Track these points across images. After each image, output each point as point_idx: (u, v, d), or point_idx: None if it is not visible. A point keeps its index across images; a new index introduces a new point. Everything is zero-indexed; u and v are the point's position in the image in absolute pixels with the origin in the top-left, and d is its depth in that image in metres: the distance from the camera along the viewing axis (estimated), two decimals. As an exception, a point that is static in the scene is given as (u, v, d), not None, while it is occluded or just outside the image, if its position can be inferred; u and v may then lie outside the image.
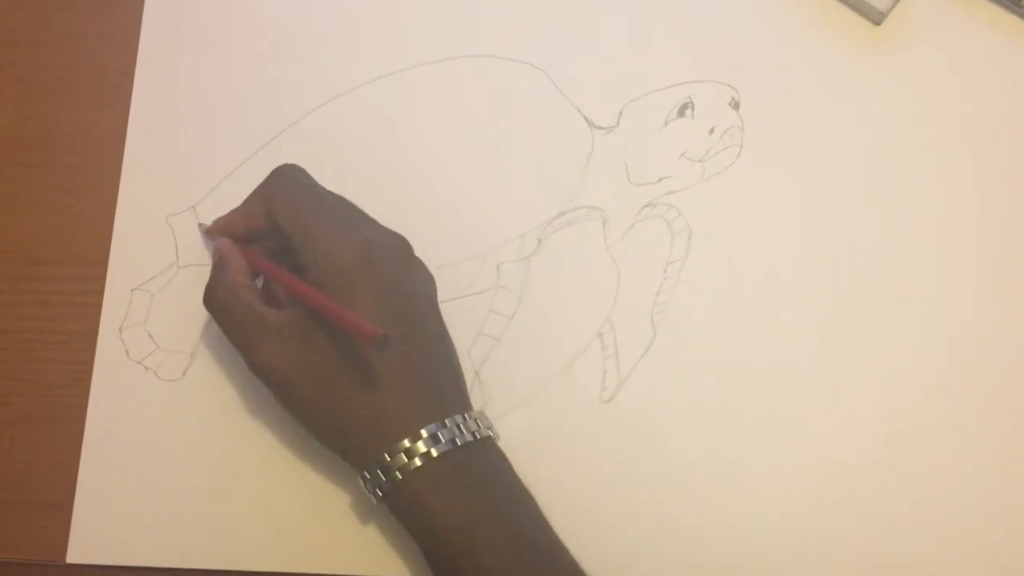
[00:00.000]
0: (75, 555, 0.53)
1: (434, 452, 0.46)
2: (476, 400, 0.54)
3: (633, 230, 0.56)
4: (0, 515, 0.53)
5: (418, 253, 0.53)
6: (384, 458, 0.47)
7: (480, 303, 0.55)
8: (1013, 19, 0.58)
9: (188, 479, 0.53)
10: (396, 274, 0.49)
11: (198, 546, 0.52)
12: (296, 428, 0.53)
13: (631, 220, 0.56)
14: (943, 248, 0.55)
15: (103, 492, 0.53)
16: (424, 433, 0.46)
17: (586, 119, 0.57)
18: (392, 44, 0.59)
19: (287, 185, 0.51)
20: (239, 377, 0.54)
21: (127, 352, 0.55)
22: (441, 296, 0.54)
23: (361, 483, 0.48)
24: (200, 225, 0.55)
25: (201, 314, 0.55)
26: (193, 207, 0.57)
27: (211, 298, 0.51)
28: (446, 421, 0.47)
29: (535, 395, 0.54)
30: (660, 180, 0.56)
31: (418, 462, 0.46)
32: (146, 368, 0.55)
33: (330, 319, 0.47)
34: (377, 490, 0.47)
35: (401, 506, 0.47)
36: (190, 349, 0.55)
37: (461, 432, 0.47)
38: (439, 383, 0.49)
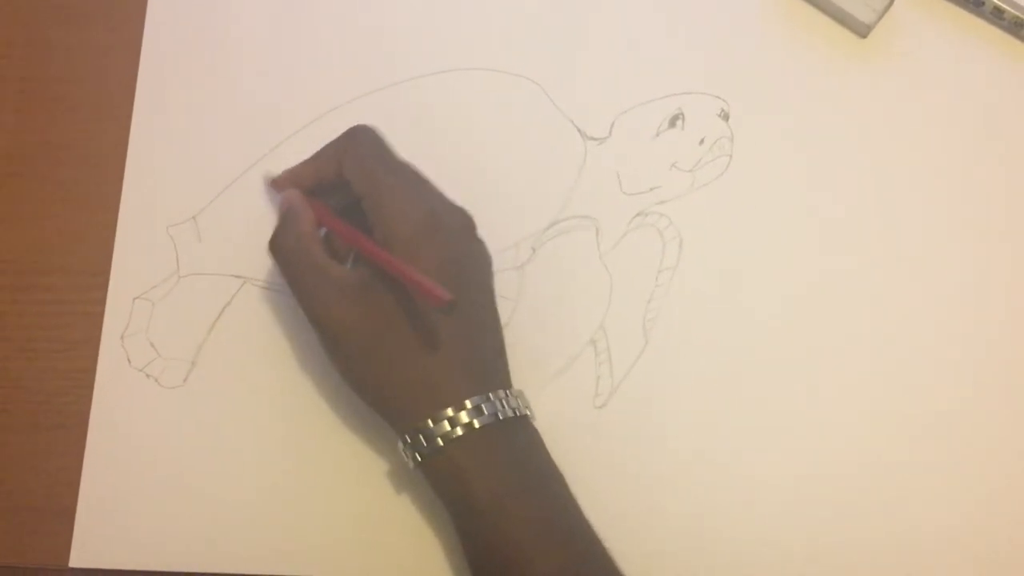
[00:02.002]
0: (78, 560, 0.53)
1: (476, 423, 0.47)
2: (472, 406, 0.55)
3: (625, 239, 0.57)
4: (4, 521, 0.54)
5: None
6: (428, 424, 0.47)
7: (475, 311, 0.56)
8: (997, 32, 0.59)
9: (189, 484, 0.54)
10: (459, 246, 0.50)
11: (199, 550, 0.53)
12: (299, 429, 0.53)
13: (623, 229, 0.57)
14: (931, 256, 0.56)
15: (105, 498, 0.54)
16: (469, 404, 0.47)
17: (579, 130, 0.58)
18: (389, 57, 0.60)
19: (362, 144, 0.52)
20: (239, 384, 0.55)
21: (129, 360, 0.56)
22: (437, 304, 0.55)
23: (400, 446, 0.49)
24: (267, 175, 0.55)
25: (201, 322, 0.56)
26: (194, 218, 0.57)
27: (278, 246, 0.51)
28: (490, 395, 0.48)
29: (530, 401, 0.54)
30: (651, 190, 0.57)
31: (460, 432, 0.47)
32: (147, 376, 0.56)
33: (398, 278, 0.47)
34: (417, 455, 0.48)
35: (437, 473, 0.48)
36: (191, 357, 0.56)
37: (503, 407, 0.48)
38: (487, 357, 0.50)
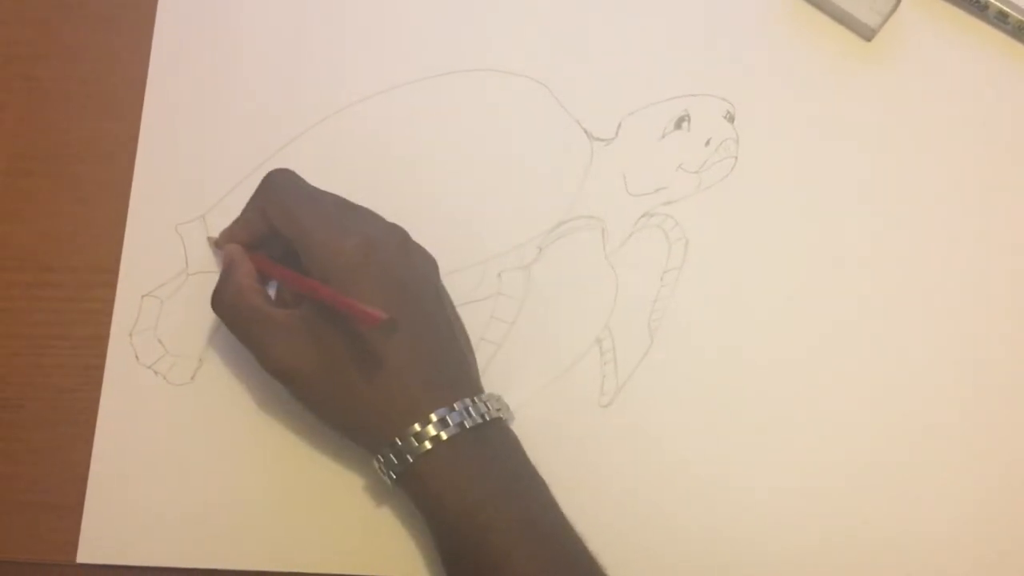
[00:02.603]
0: (85, 555, 0.54)
1: (443, 435, 0.48)
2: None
3: (631, 239, 0.57)
4: (12, 516, 0.54)
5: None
6: (396, 442, 0.48)
7: (482, 310, 0.56)
8: (1001, 35, 0.59)
9: (196, 481, 0.54)
10: (397, 266, 0.50)
11: (207, 546, 0.53)
12: (305, 425, 0.54)
13: (629, 229, 0.57)
14: (937, 258, 0.56)
15: (113, 493, 0.54)
16: (434, 417, 0.48)
17: (585, 131, 0.59)
18: (396, 58, 0.60)
19: (279, 190, 0.52)
20: (247, 381, 0.55)
21: (137, 357, 0.56)
22: (444, 303, 0.56)
23: (376, 467, 0.49)
24: (209, 238, 0.57)
25: (209, 320, 0.56)
26: (202, 216, 0.58)
27: (219, 301, 0.52)
28: (455, 404, 0.48)
29: (535, 400, 0.55)
30: (657, 191, 0.58)
31: (428, 445, 0.47)
32: (156, 373, 0.56)
33: (336, 309, 0.48)
34: (391, 473, 0.49)
35: (413, 489, 0.49)
36: (198, 354, 0.56)
37: (469, 415, 0.48)
38: (446, 367, 0.50)
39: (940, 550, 0.53)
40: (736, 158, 0.58)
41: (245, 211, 0.54)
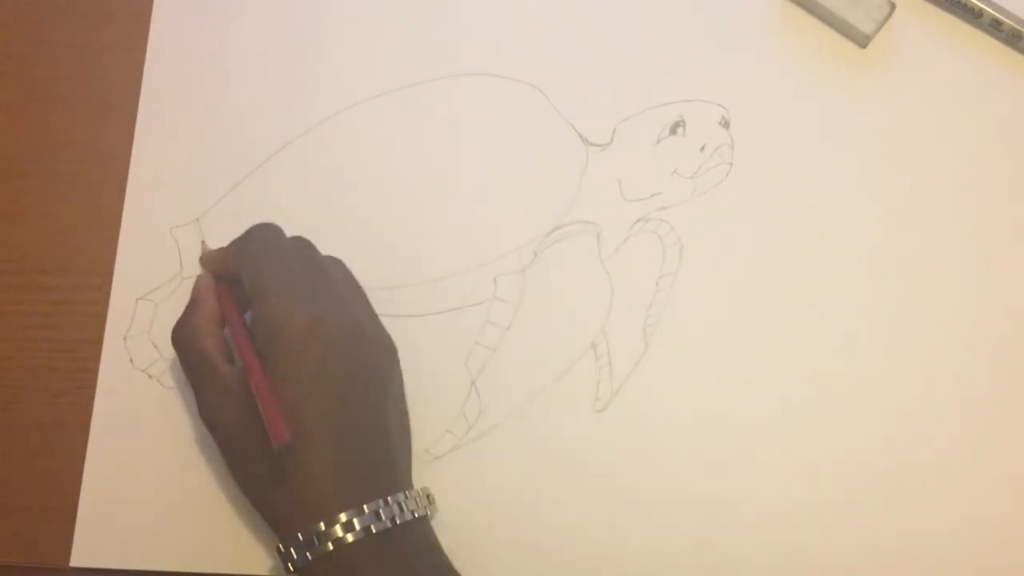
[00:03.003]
0: (79, 559, 0.54)
1: (349, 538, 0.46)
2: (472, 409, 0.55)
3: (626, 244, 0.57)
4: (6, 520, 0.54)
5: (418, 266, 0.54)
6: (298, 536, 0.46)
7: (477, 314, 0.56)
8: (995, 43, 0.60)
9: (190, 484, 0.54)
10: (342, 354, 0.49)
11: (200, 550, 0.53)
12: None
13: (624, 234, 0.57)
14: (932, 264, 0.56)
15: (107, 497, 0.54)
16: (343, 518, 0.46)
17: (581, 136, 0.59)
18: (392, 62, 0.60)
19: (257, 244, 0.52)
20: (241, 385, 0.55)
21: (131, 360, 0.56)
22: (439, 307, 0.56)
23: (277, 552, 0.48)
24: (203, 243, 0.56)
25: (204, 323, 0.56)
26: (197, 219, 0.58)
27: (176, 336, 0.51)
28: (365, 507, 0.46)
29: (530, 404, 0.55)
30: (652, 196, 0.58)
31: (330, 547, 0.46)
32: (150, 376, 0.56)
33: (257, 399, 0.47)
34: (289, 565, 0.47)
35: None
36: (193, 358, 0.56)
37: (379, 518, 0.46)
38: (365, 468, 0.48)
39: (942, 556, 0.53)
40: (731, 164, 0.58)
41: (226, 248, 0.53)
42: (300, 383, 0.47)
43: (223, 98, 0.60)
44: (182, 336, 0.51)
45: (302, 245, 0.53)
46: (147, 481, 0.54)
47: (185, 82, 0.60)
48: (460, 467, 0.54)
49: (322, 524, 0.46)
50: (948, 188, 0.58)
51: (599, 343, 0.56)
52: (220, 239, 0.57)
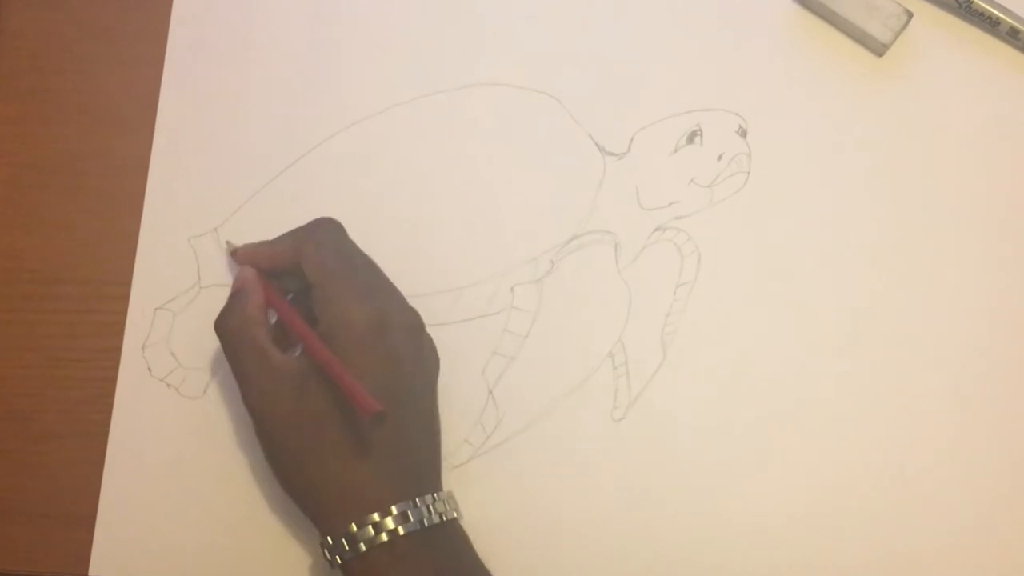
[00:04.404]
0: (97, 569, 0.54)
1: (401, 530, 0.46)
2: (490, 419, 0.55)
3: (644, 253, 0.57)
4: (25, 529, 0.55)
5: (436, 275, 0.54)
6: (351, 528, 0.47)
7: (495, 323, 0.56)
8: (1012, 52, 0.60)
9: (208, 494, 0.54)
10: (402, 350, 0.49)
11: (218, 559, 0.53)
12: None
13: (642, 243, 0.57)
14: (951, 272, 0.56)
15: (125, 506, 0.54)
16: (395, 510, 0.46)
17: (598, 146, 0.59)
18: (409, 72, 0.60)
19: (323, 238, 0.52)
20: (259, 394, 0.55)
21: (150, 370, 0.56)
22: (457, 316, 0.56)
23: (320, 545, 0.48)
24: (228, 243, 0.56)
25: (222, 333, 0.56)
26: (215, 229, 0.58)
27: (223, 324, 0.51)
28: (417, 500, 0.47)
29: (548, 413, 0.55)
30: (670, 205, 0.58)
31: (384, 538, 0.46)
32: (168, 385, 0.56)
33: (333, 379, 0.47)
34: (337, 557, 0.47)
35: None
36: (211, 367, 0.56)
37: (430, 513, 0.47)
38: (418, 463, 0.49)
39: (958, 565, 0.53)
40: (748, 173, 0.58)
41: (279, 240, 0.53)
42: (364, 375, 0.47)
43: (240, 109, 0.60)
44: (232, 324, 0.51)
45: (355, 245, 0.53)
46: (165, 490, 0.54)
47: (203, 93, 0.60)
48: (478, 476, 0.54)
49: (376, 515, 0.46)
50: (966, 197, 0.58)
51: (617, 352, 0.56)
52: (238, 249, 0.57)
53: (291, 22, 0.61)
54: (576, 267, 0.57)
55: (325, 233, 0.52)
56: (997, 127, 0.58)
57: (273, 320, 0.52)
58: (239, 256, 0.54)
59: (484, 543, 0.51)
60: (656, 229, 0.57)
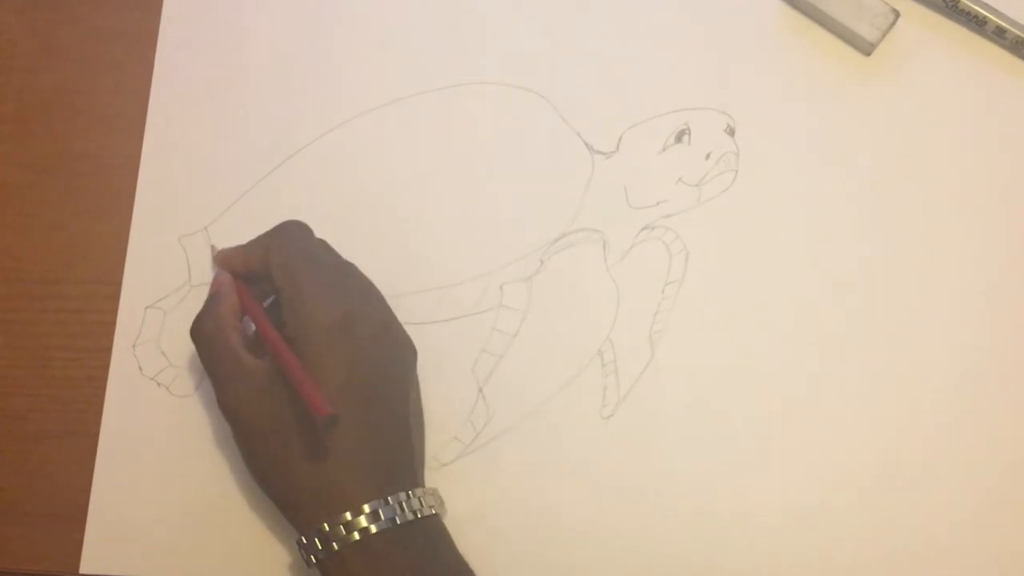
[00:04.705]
0: (88, 566, 0.54)
1: (373, 528, 0.47)
2: (479, 416, 0.55)
3: (632, 251, 0.57)
4: (16, 527, 0.55)
5: (425, 273, 0.55)
6: (324, 527, 0.47)
7: (484, 322, 0.56)
8: (998, 51, 0.60)
9: (199, 492, 0.54)
10: (370, 349, 0.50)
11: (209, 558, 0.54)
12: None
13: (630, 242, 0.57)
14: (935, 270, 0.56)
15: (116, 504, 0.55)
16: (367, 508, 0.47)
17: (586, 144, 0.59)
18: (398, 71, 0.60)
19: (288, 241, 0.52)
20: (249, 393, 0.56)
21: (140, 368, 0.56)
22: (446, 315, 0.56)
23: (296, 545, 0.48)
24: (212, 247, 0.57)
25: (213, 332, 0.57)
26: (205, 228, 0.58)
27: (197, 330, 0.52)
28: (389, 499, 0.47)
29: (537, 411, 0.55)
30: (658, 203, 0.58)
31: (356, 536, 0.46)
32: (159, 384, 0.56)
33: (290, 381, 0.48)
34: (312, 557, 0.48)
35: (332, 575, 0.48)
36: (201, 366, 0.56)
37: (403, 511, 0.47)
38: (389, 461, 0.49)
39: (948, 562, 0.53)
40: (736, 171, 0.58)
41: (249, 244, 0.54)
42: (330, 376, 0.48)
43: (230, 108, 0.60)
44: (205, 328, 0.51)
45: (325, 246, 0.54)
46: (156, 488, 0.55)
47: (193, 93, 0.60)
48: (467, 474, 0.54)
49: (348, 514, 0.47)
50: (953, 195, 0.58)
51: (605, 350, 0.56)
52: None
53: (281, 22, 0.62)
54: (565, 265, 0.57)
55: (291, 237, 0.52)
56: (984, 125, 0.59)
57: (252, 329, 0.53)
58: (217, 259, 0.55)
59: (473, 540, 0.51)
60: (644, 228, 0.58)
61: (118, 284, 0.58)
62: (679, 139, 0.59)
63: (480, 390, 0.55)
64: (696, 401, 0.55)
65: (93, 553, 0.54)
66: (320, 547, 0.47)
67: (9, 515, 0.55)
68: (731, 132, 0.59)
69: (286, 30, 0.61)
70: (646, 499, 0.54)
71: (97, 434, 0.56)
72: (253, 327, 0.53)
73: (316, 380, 0.47)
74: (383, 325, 0.51)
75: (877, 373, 0.55)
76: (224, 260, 0.55)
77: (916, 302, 0.56)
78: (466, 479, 0.54)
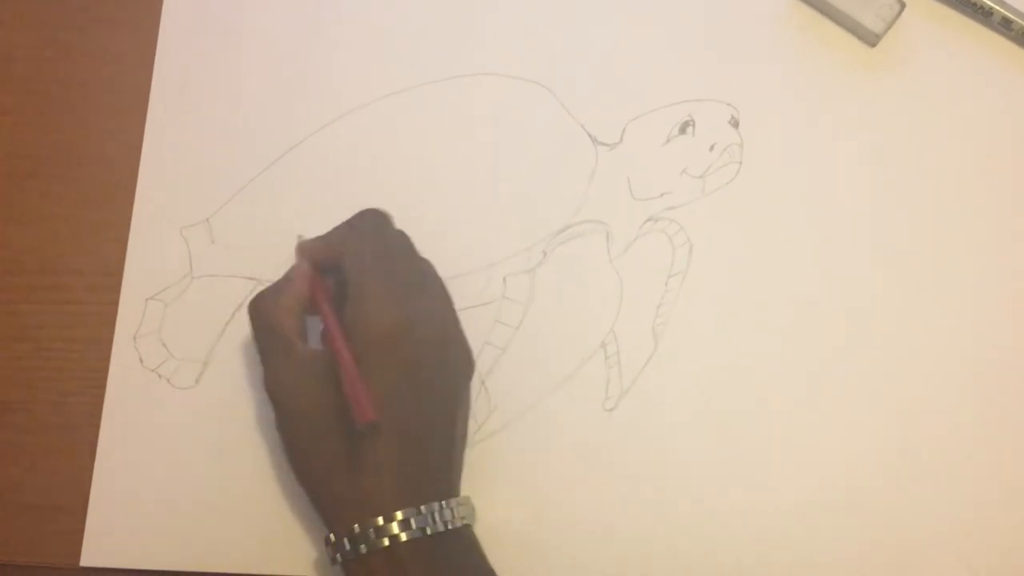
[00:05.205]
0: (89, 558, 0.54)
1: (404, 536, 0.46)
2: (482, 409, 0.55)
3: (635, 244, 0.57)
4: (17, 519, 0.55)
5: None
6: (354, 528, 0.47)
7: (487, 314, 0.56)
8: (1005, 42, 0.59)
9: (200, 484, 0.54)
10: (425, 361, 0.49)
11: (210, 549, 0.53)
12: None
13: (634, 234, 0.57)
14: (941, 263, 0.56)
15: (117, 496, 0.54)
16: (399, 515, 0.46)
17: (590, 136, 0.59)
18: (400, 62, 0.60)
19: (365, 233, 0.52)
20: (250, 385, 0.55)
21: (141, 360, 0.56)
22: (448, 307, 0.56)
23: (324, 541, 0.48)
24: (298, 236, 0.54)
25: (214, 324, 0.56)
26: (207, 219, 0.58)
27: (256, 306, 0.51)
28: (422, 508, 0.47)
29: (540, 403, 0.55)
30: (662, 195, 0.58)
31: (385, 542, 0.46)
32: (159, 376, 0.56)
33: (341, 377, 0.47)
34: (338, 555, 0.47)
35: None
36: (203, 357, 0.56)
37: (434, 521, 0.47)
38: (429, 471, 0.49)
39: (947, 556, 0.53)
40: (740, 163, 0.58)
41: (329, 234, 0.53)
42: (384, 381, 0.47)
43: (232, 99, 0.60)
44: (263, 308, 0.51)
45: (403, 240, 0.53)
46: (157, 481, 0.54)
47: (194, 84, 0.60)
48: (470, 466, 0.54)
49: (380, 519, 0.46)
50: (958, 186, 0.58)
51: (609, 343, 0.56)
52: (229, 239, 0.57)
53: (282, 13, 0.61)
54: (568, 257, 0.57)
55: (368, 228, 0.52)
56: (990, 117, 0.58)
57: (321, 329, 0.51)
58: (299, 248, 0.53)
59: (475, 533, 0.51)
60: (648, 219, 0.57)
61: (119, 275, 0.57)
62: (683, 131, 0.59)
63: (483, 382, 0.55)
64: (699, 394, 0.55)
65: (94, 545, 0.54)
66: (348, 548, 0.47)
67: (9, 508, 0.55)
68: (735, 124, 0.58)
69: (287, 22, 0.61)
70: (649, 491, 0.54)
71: (98, 426, 0.55)
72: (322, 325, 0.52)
73: (366, 383, 0.47)
74: (440, 337, 0.50)
75: (880, 365, 0.55)
76: (307, 249, 0.53)
77: (920, 295, 0.56)
78: (469, 472, 0.54)
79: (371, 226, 0.52)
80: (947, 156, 0.58)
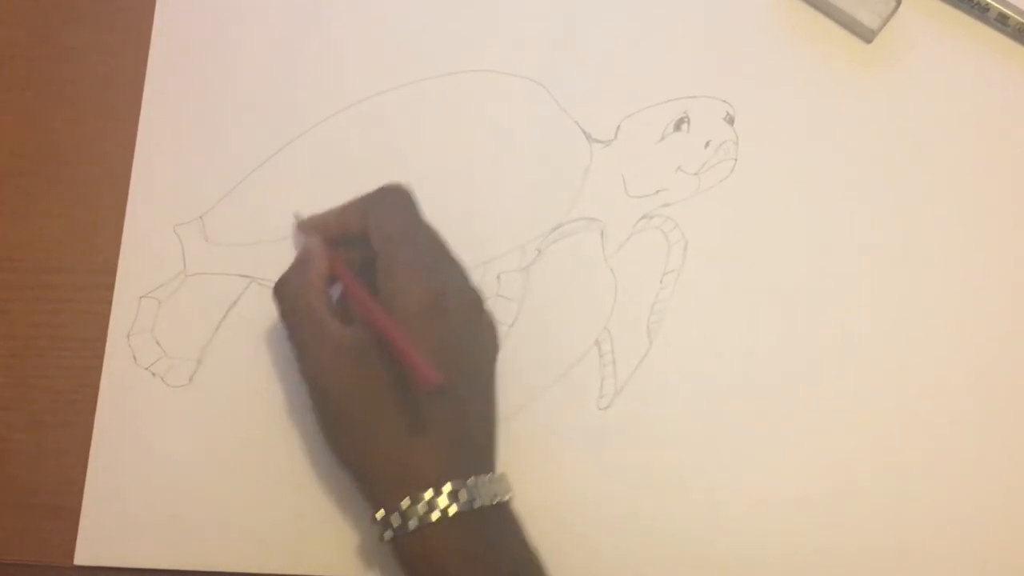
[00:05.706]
0: (82, 557, 0.54)
1: (453, 509, 0.46)
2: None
3: (630, 241, 0.57)
4: (10, 517, 0.54)
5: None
6: (404, 504, 0.46)
7: (481, 311, 0.56)
8: (1000, 37, 0.59)
9: (194, 482, 0.54)
10: (462, 327, 0.49)
11: (204, 548, 0.53)
12: (303, 428, 0.54)
13: (628, 231, 0.57)
14: (937, 260, 0.56)
15: (110, 495, 0.54)
16: (448, 488, 0.46)
17: (584, 133, 0.59)
18: (395, 59, 0.60)
19: (390, 206, 0.51)
20: (245, 383, 0.55)
21: (135, 358, 0.56)
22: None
23: (371, 521, 0.48)
24: (296, 215, 0.55)
25: (208, 321, 0.56)
26: (201, 216, 0.58)
27: (283, 289, 0.50)
28: (469, 481, 0.47)
29: (534, 401, 0.55)
30: (657, 192, 0.58)
31: (436, 516, 0.46)
32: (153, 374, 0.56)
33: (394, 352, 0.46)
34: (387, 532, 0.47)
35: (407, 554, 0.47)
36: (196, 356, 0.56)
37: (482, 494, 0.47)
38: (472, 442, 0.49)
39: (950, 555, 0.53)
40: (735, 160, 0.58)
41: (348, 206, 0.52)
42: (425, 350, 0.46)
43: (225, 97, 0.60)
44: (290, 290, 0.50)
45: (422, 215, 0.52)
46: (151, 479, 0.54)
47: (187, 81, 0.60)
48: (464, 465, 0.54)
49: (429, 492, 0.46)
50: (953, 183, 0.57)
51: (603, 340, 0.56)
52: (223, 237, 0.57)
53: (277, 9, 0.61)
54: (562, 255, 0.57)
55: (393, 201, 0.51)
56: (986, 113, 0.58)
57: (336, 296, 0.51)
58: (305, 225, 0.53)
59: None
60: (643, 217, 0.57)
61: (112, 273, 0.57)
62: (678, 127, 0.58)
63: (477, 380, 0.55)
64: (694, 392, 0.55)
65: (87, 544, 0.54)
66: (397, 524, 0.46)
67: (2, 507, 0.55)
68: (730, 120, 0.58)
69: (282, 17, 0.61)
70: (643, 489, 0.54)
71: (91, 425, 0.55)
72: (338, 294, 0.51)
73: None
74: (475, 307, 0.50)
75: (877, 363, 0.55)
76: (317, 223, 0.53)
77: (916, 291, 0.56)
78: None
79: (396, 198, 0.52)
80: (943, 152, 0.58)
